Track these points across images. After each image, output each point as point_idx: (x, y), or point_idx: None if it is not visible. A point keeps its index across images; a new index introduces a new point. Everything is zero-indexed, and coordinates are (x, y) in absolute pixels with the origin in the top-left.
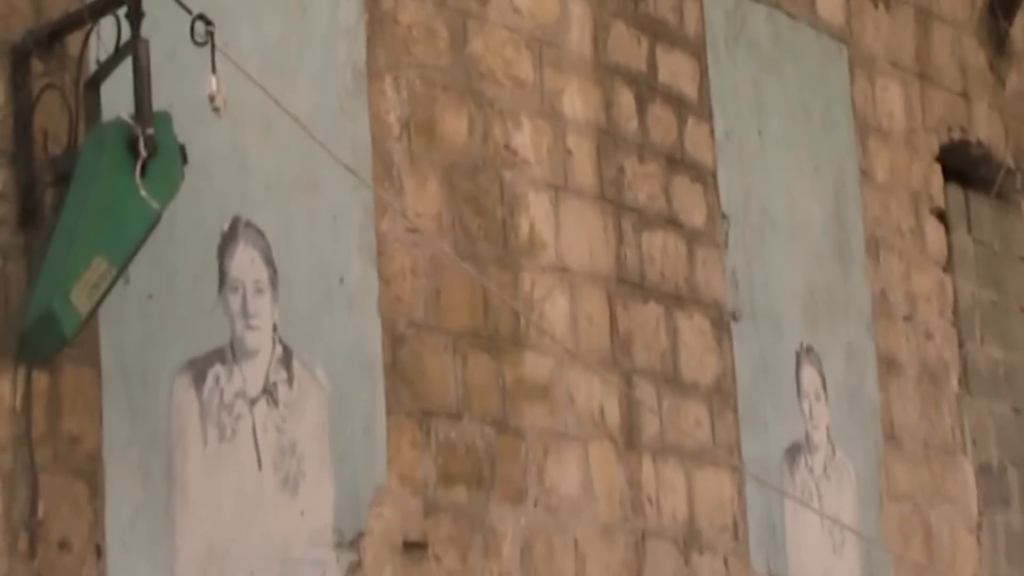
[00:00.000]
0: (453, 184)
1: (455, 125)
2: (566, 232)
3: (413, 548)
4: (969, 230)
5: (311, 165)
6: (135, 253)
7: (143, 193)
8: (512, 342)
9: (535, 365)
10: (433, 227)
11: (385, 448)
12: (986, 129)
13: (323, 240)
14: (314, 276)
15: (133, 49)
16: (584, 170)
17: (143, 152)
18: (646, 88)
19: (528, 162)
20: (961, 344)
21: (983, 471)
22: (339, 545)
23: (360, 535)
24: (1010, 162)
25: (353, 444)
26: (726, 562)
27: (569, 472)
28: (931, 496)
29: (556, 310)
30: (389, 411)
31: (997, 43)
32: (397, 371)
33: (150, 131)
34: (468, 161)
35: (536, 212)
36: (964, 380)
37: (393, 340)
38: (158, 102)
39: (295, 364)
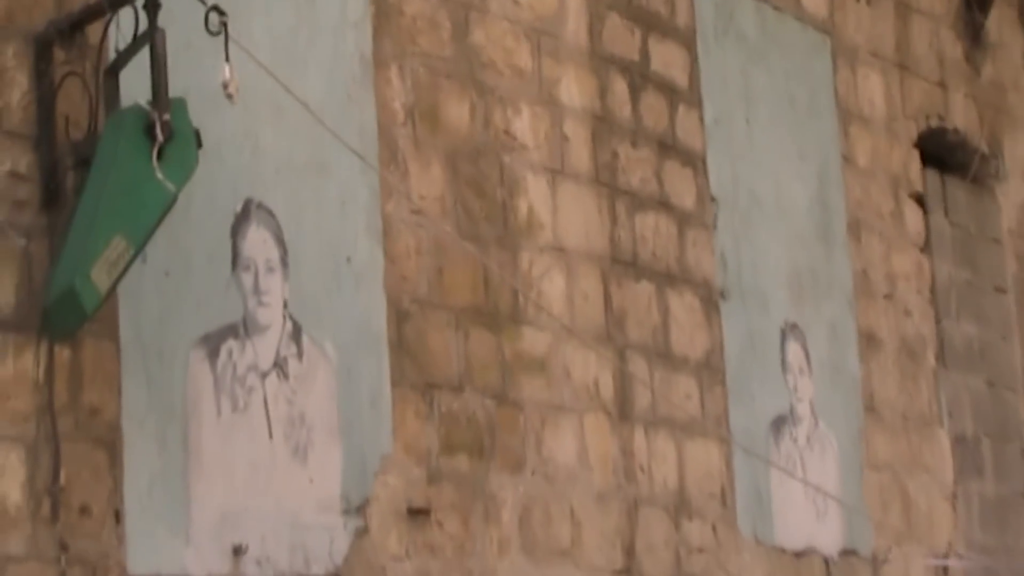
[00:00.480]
0: (455, 168)
1: (457, 112)
2: (563, 214)
3: (417, 514)
4: (946, 213)
5: (320, 150)
6: (152, 233)
7: (160, 176)
8: (511, 318)
9: (533, 340)
10: (436, 209)
11: (390, 419)
12: (962, 117)
13: (331, 221)
14: (323, 255)
15: (150, 39)
16: (580, 155)
17: (160, 137)
18: (639, 77)
19: (527, 147)
20: (938, 321)
21: (958, 442)
22: (346, 511)
23: (366, 502)
24: (985, 148)
25: (360, 415)
26: (714, 528)
27: (565, 442)
28: (909, 465)
29: (553, 288)
30: (394, 384)
31: (973, 35)
32: (402, 346)
33: (166, 117)
34: (470, 146)
35: (534, 195)
36: (941, 355)
37: (398, 316)
38: (174, 89)
39: (304, 339)
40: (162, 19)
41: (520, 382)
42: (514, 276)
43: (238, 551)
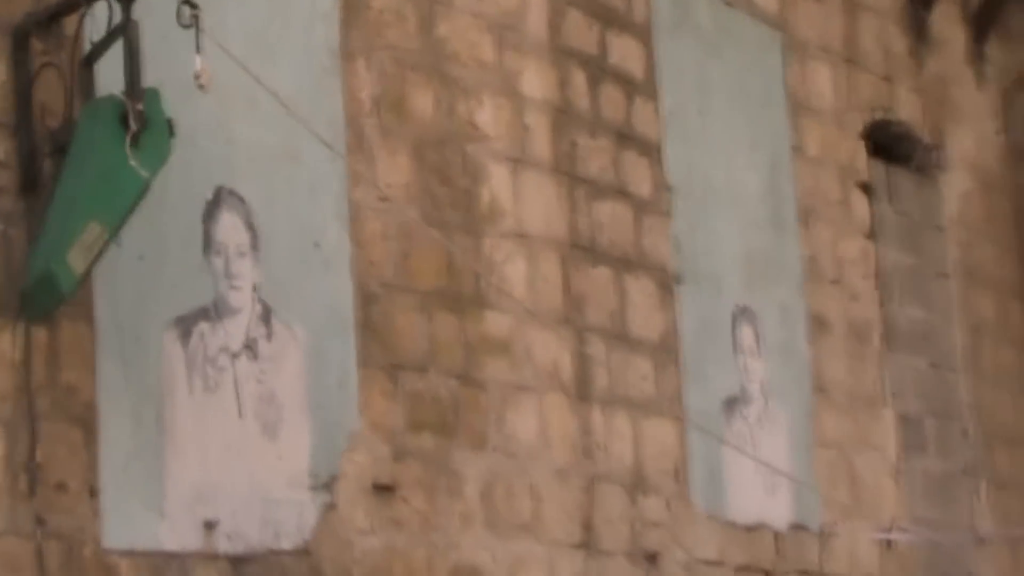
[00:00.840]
0: (421, 157)
1: (423, 102)
2: (524, 201)
3: (383, 490)
4: (891, 201)
5: (290, 138)
6: (127, 218)
7: (134, 163)
8: (475, 302)
9: (496, 323)
10: (402, 196)
11: (357, 398)
12: (907, 109)
13: (301, 207)
14: (293, 240)
15: (125, 31)
16: (541, 144)
17: (134, 125)
18: (598, 69)
19: (490, 137)
20: (883, 305)
21: (903, 421)
22: (315, 487)
23: (334, 478)
24: (928, 140)
25: (328, 394)
26: (669, 504)
27: (526, 421)
28: (856, 443)
29: (515, 272)
30: (361, 364)
31: (918, 31)
32: (369, 328)
33: (140, 106)
34: (435, 136)
35: (497, 182)
36: (886, 338)
37: (365, 299)
38: (150, 80)
39: (274, 321)
40: (137, 12)
41: (483, 363)
42: (477, 261)
43: (210, 526)
